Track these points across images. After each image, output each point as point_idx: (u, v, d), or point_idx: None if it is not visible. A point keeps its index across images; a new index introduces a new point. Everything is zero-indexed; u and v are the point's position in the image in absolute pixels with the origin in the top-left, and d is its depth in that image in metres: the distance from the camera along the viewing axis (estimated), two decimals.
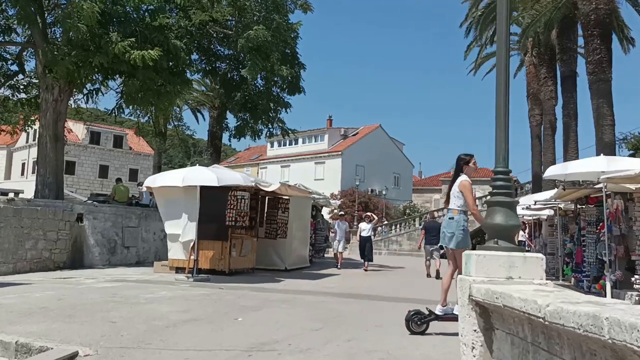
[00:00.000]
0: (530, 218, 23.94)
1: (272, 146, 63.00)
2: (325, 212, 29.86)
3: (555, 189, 20.04)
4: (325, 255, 25.65)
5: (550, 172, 12.94)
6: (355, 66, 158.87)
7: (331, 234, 21.19)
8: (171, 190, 13.83)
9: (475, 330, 4.06)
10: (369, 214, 20.65)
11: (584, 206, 15.21)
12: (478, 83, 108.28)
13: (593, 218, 14.39)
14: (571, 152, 22.80)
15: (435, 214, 45.48)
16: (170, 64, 18.62)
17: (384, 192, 51.18)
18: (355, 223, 40.78)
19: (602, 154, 15.10)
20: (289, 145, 60.63)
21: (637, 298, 11.12)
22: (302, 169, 55.82)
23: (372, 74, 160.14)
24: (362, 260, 19.51)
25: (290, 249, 17.78)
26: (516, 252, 4.15)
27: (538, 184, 35.80)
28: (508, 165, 4.45)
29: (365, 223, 19.58)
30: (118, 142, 60.10)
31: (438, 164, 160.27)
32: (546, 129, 28.74)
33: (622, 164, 11.11)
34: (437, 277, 16.67)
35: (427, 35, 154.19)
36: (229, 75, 22.23)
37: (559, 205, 17.41)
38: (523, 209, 22.15)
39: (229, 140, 23.98)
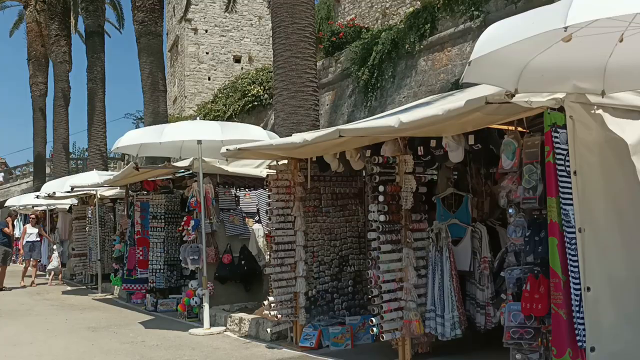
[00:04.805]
0: (45, 208, 18.41)
1: None
2: None
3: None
4: None
5: (128, 140, 7.93)
6: None
7: None
8: None
9: None
10: None
11: (143, 192, 11.21)
12: None
13: (161, 209, 10.56)
14: (97, 125, 18.47)
15: None
16: None
17: None
18: None
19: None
20: None
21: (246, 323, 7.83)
22: None
23: None
24: None
25: None
26: None
27: (42, 167, 30.00)
28: None
29: None
30: None
31: None
32: (58, 98, 23.49)
33: (239, 132, 7.65)
34: None
35: None
36: None
37: (100, 193, 12.91)
38: (38, 197, 16.71)
39: None
